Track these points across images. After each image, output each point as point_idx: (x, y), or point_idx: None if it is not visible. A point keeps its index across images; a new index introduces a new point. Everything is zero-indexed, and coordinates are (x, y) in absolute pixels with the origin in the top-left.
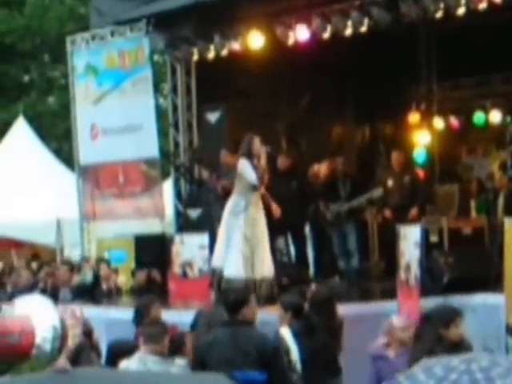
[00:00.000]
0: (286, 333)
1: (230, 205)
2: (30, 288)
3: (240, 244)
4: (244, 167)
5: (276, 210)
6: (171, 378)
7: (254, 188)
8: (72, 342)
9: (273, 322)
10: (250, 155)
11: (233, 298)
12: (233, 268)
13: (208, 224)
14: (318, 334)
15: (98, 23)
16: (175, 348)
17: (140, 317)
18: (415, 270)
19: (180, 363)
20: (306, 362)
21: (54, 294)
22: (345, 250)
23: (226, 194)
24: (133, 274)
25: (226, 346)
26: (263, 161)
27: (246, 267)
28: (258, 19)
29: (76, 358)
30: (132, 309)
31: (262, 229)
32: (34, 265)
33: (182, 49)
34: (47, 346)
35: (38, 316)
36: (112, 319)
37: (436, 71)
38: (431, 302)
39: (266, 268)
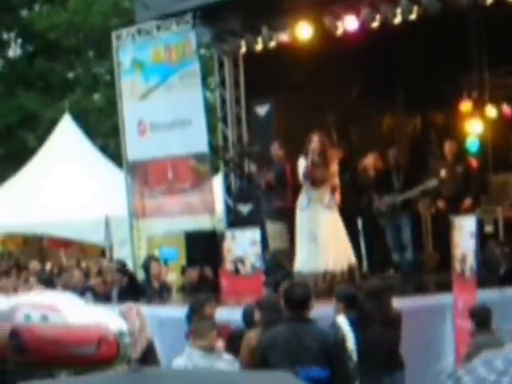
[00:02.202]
0: (342, 321)
1: (298, 201)
2: (82, 289)
3: (305, 239)
4: (299, 165)
5: None
6: (240, 376)
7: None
8: (144, 342)
9: None
10: (307, 152)
11: (299, 294)
12: (298, 263)
13: (259, 219)
14: (373, 325)
15: (143, 17)
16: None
17: (194, 314)
18: (471, 261)
19: (228, 358)
20: (362, 351)
21: (106, 294)
22: (399, 243)
23: (270, 188)
24: (183, 271)
25: (289, 343)
26: (334, 167)
27: (310, 262)
28: (306, 10)
29: (145, 358)
30: (183, 307)
31: (330, 224)
32: (84, 264)
33: (230, 42)
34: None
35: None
36: (164, 317)
37: (487, 58)
38: (488, 294)
39: (341, 260)
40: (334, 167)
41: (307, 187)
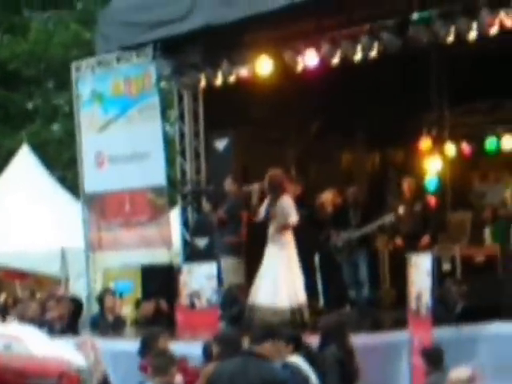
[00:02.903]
0: (298, 360)
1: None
2: (38, 321)
3: (260, 274)
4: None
5: None
6: None
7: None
8: (99, 375)
9: None
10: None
11: (256, 329)
12: (263, 296)
13: (215, 253)
14: (321, 366)
15: (103, 49)
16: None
17: (146, 348)
18: (426, 299)
19: None
20: None
21: (62, 328)
22: (355, 280)
23: (223, 223)
24: (137, 304)
25: (234, 378)
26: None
27: (264, 297)
28: (267, 44)
29: None
30: (137, 340)
31: (282, 261)
32: (39, 295)
33: (190, 75)
34: None
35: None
36: (118, 351)
37: (447, 96)
38: (444, 332)
39: (299, 295)
40: (287, 203)
41: (281, 224)
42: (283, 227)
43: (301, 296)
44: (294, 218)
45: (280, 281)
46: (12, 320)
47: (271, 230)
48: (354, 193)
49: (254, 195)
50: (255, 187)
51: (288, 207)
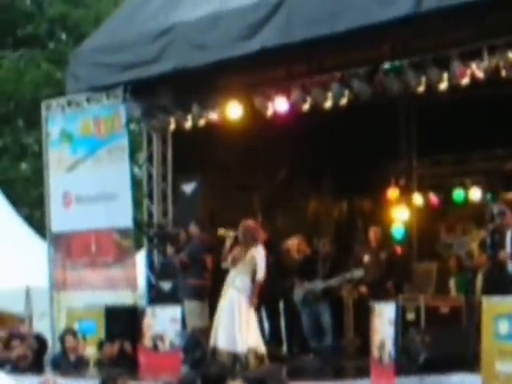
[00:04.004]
0: None
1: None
2: (2, 358)
3: (219, 318)
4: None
5: None
6: None
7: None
8: None
9: None
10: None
11: (214, 373)
12: (223, 341)
13: (180, 297)
14: None
15: (74, 89)
16: None
17: None
18: (389, 348)
19: None
20: None
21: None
22: (317, 329)
23: (185, 267)
24: (100, 345)
25: None
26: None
27: (223, 341)
28: (237, 89)
29: None
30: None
31: (238, 307)
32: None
33: (159, 118)
34: None
35: None
36: None
37: (416, 147)
38: (407, 382)
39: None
40: (260, 255)
41: (247, 272)
42: (258, 283)
43: (251, 341)
44: (261, 273)
45: (238, 325)
46: None
47: (233, 273)
48: (325, 244)
49: (227, 241)
50: (230, 234)
51: (259, 258)
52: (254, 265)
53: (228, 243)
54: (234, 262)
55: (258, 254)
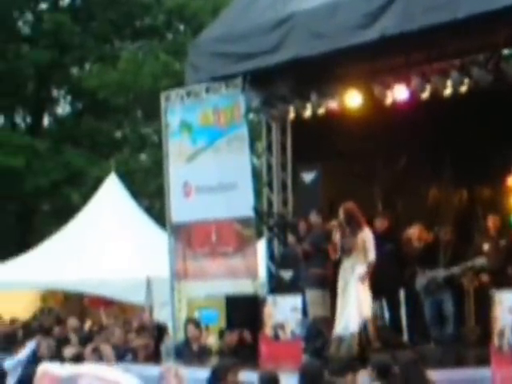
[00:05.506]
0: None
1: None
2: (123, 348)
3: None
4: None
5: None
6: None
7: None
8: None
9: None
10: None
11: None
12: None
13: (300, 286)
14: None
15: (193, 79)
16: None
17: (216, 380)
18: (508, 336)
19: None
20: None
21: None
22: (439, 318)
23: (307, 256)
24: (221, 334)
25: None
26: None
27: (343, 329)
28: (356, 78)
29: None
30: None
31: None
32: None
33: (278, 107)
34: None
35: None
36: (202, 380)
37: None
38: None
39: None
40: (368, 237)
41: (341, 257)
42: (369, 267)
43: (366, 312)
44: (372, 254)
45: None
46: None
47: (349, 262)
48: (446, 233)
49: (334, 232)
50: (334, 224)
51: (369, 241)
52: (366, 248)
53: (336, 234)
54: (348, 252)
55: (367, 237)
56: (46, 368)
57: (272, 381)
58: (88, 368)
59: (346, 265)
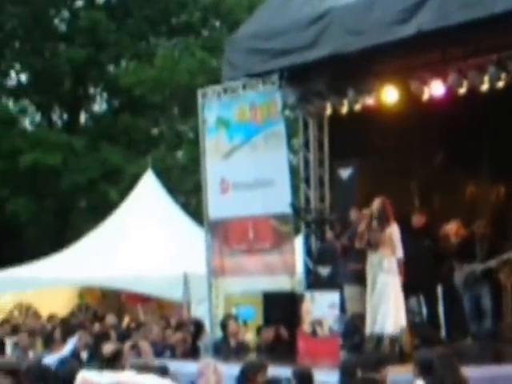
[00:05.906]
0: None
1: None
2: (161, 344)
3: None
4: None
5: None
6: None
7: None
8: None
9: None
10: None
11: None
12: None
13: (338, 282)
14: None
15: (229, 76)
16: None
17: (245, 380)
18: None
19: None
20: None
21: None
22: (477, 313)
23: (346, 251)
24: (258, 331)
25: None
26: (394, 229)
27: (374, 325)
28: (393, 74)
29: None
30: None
31: (386, 289)
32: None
33: (315, 103)
34: None
35: None
36: None
37: None
38: None
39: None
40: (396, 233)
41: (368, 251)
42: (400, 262)
43: (402, 321)
44: (400, 251)
45: (394, 307)
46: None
47: (376, 256)
48: (481, 226)
49: (362, 221)
50: (364, 214)
51: (396, 237)
52: (393, 244)
53: (363, 223)
54: (375, 246)
55: (394, 233)
56: (85, 375)
57: (306, 376)
58: (127, 376)
59: (373, 259)
